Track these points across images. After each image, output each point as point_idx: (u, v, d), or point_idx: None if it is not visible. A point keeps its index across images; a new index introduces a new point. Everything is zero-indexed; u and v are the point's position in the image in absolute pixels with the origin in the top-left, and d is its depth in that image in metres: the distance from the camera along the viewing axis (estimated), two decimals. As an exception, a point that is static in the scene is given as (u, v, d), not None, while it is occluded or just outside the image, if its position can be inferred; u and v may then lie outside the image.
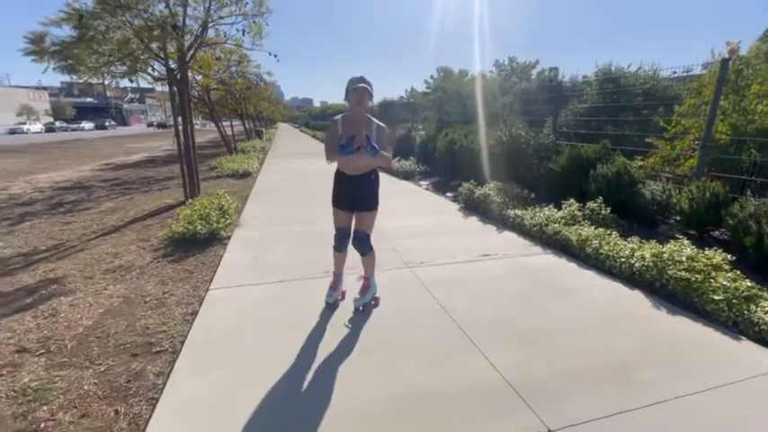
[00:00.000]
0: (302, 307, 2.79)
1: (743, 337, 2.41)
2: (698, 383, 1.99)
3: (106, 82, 7.38)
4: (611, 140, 5.86)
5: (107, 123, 47.51)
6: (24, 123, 39.25)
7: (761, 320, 2.39)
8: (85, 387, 1.99)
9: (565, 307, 2.81)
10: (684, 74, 7.05)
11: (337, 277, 2.87)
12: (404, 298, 2.95)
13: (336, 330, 2.50)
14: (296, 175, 9.18)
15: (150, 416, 1.78)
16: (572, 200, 4.56)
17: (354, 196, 2.63)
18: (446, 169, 8.34)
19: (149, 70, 6.50)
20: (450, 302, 2.85)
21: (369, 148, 2.42)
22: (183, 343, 2.34)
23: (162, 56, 5.82)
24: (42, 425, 1.74)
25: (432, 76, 16.92)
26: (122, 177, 9.68)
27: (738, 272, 2.83)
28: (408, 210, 5.73)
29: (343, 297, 2.89)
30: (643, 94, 8.36)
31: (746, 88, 5.24)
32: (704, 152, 4.38)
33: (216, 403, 1.85)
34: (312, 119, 46.75)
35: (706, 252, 3.02)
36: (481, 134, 7.50)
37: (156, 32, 5.24)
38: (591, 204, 4.38)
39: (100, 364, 2.18)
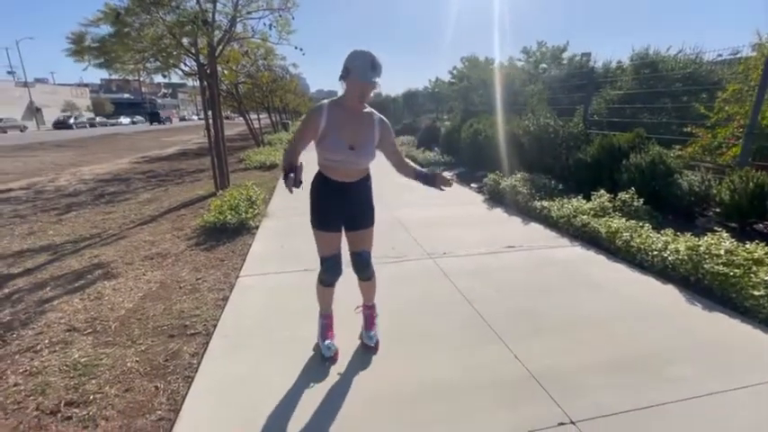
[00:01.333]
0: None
1: (785, 336, 2.29)
2: (734, 380, 1.92)
3: (141, 78, 7.73)
4: (648, 129, 5.59)
5: (71, 121, 37.88)
6: (69, 119, 41.58)
7: (806, 318, 2.26)
8: (128, 364, 2.15)
9: (592, 300, 2.76)
10: (731, 56, 6.59)
11: (329, 320, 2.23)
12: (426, 288, 2.97)
13: (360, 318, 2.55)
14: (321, 166, 9.29)
15: (186, 392, 1.90)
16: (602, 191, 4.41)
17: (350, 210, 1.99)
18: (471, 160, 8.22)
19: (181, 66, 6.76)
20: (474, 293, 2.85)
21: (420, 177, 2.03)
22: (215, 326, 2.47)
23: (192, 51, 6.02)
24: (91, 397, 1.90)
25: (455, 67, 16.56)
26: (157, 170, 10.14)
27: (782, 267, 2.67)
28: (431, 201, 5.70)
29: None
30: (683, 79, 7.88)
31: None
32: (749, 140, 4.12)
33: (247, 383, 1.95)
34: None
35: (747, 246, 2.86)
36: (507, 124, 7.34)
37: (187, 28, 5.42)
38: (622, 195, 4.23)
39: (141, 344, 2.34)
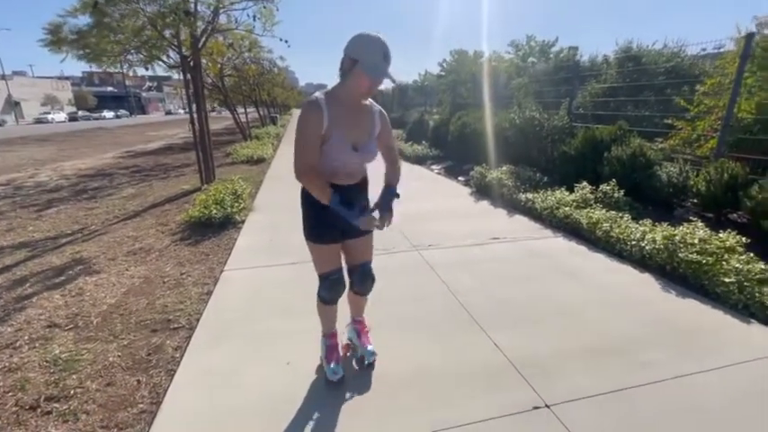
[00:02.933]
0: (313, 287, 2.88)
1: (753, 320, 2.38)
2: (702, 364, 1.99)
3: (124, 70, 7.57)
4: (631, 122, 5.69)
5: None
6: (49, 113, 40.67)
7: (772, 303, 2.36)
8: (110, 359, 2.14)
9: (571, 289, 2.82)
10: (715, 50, 6.72)
11: (335, 339, 2.00)
12: (411, 280, 3.00)
13: (345, 309, 2.57)
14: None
15: (169, 385, 1.91)
16: (584, 183, 4.49)
17: None
18: (458, 153, 8.26)
19: (164, 58, 6.63)
20: (458, 285, 2.89)
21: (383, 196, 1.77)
22: (198, 320, 2.47)
23: (175, 43, 5.91)
24: (72, 392, 1.89)
25: (444, 60, 16.54)
26: (142, 165, 9.97)
27: (753, 255, 2.77)
28: (418, 194, 5.74)
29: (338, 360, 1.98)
30: (666, 72, 8.03)
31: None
32: (725, 132, 4.22)
33: (229, 375, 1.97)
34: (326, 104, 46.72)
35: (720, 234, 2.95)
36: (494, 117, 7.39)
37: (169, 19, 5.30)
38: (604, 187, 4.31)
39: (123, 339, 2.33)
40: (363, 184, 1.80)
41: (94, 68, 7.19)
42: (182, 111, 57.30)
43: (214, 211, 4.29)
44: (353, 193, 1.71)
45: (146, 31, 5.64)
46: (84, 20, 5.48)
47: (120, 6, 5.20)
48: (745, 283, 2.53)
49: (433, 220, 4.44)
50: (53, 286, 3.03)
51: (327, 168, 1.63)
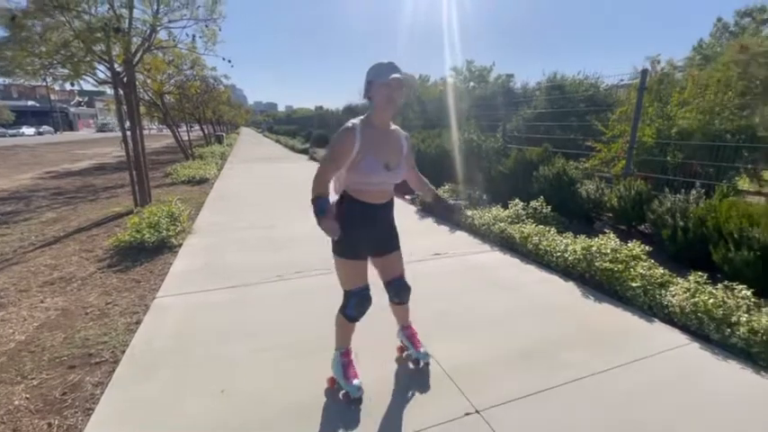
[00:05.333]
0: (252, 311, 2.81)
1: (655, 319, 2.70)
2: (615, 360, 2.22)
3: (47, 84, 6.99)
4: (559, 144, 6.27)
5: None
6: (-47, 129, 36.08)
7: (669, 303, 2.69)
8: (16, 402, 1.92)
9: (503, 299, 3.01)
10: (629, 81, 7.70)
11: (350, 356, 2.03)
12: (354, 298, 3.02)
13: (285, 329, 2.54)
14: (256, 180, 9.05)
15: (85, 426, 1.75)
16: (517, 200, 4.84)
17: (379, 233, 1.91)
18: (405, 173, 8.52)
19: (93, 73, 6.24)
20: (399, 300, 2.96)
21: (440, 200, 2.17)
22: (124, 352, 2.30)
23: (106, 58, 5.60)
24: (-35, 443, 1.67)
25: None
26: (66, 186, 9.12)
27: (654, 261, 3.15)
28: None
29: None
30: (585, 100, 8.98)
31: (670, 96, 5.82)
32: (630, 154, 4.81)
33: (154, 408, 1.85)
34: (276, 123, 46.09)
35: (628, 244, 3.33)
36: (438, 138, 7.77)
37: (98, 35, 5.04)
38: (534, 203, 4.68)
39: (33, 379, 2.11)
40: (390, 204, 1.94)
41: (9, 82, 6.59)
42: (116, 128, 53.54)
43: (147, 235, 4.05)
44: (384, 211, 1.89)
45: (71, 46, 5.30)
46: (-1, 30, 5.06)
47: (42, 20, 4.86)
48: (648, 287, 2.86)
49: (379, 238, 4.51)
50: (-53, 325, 2.67)
51: (360, 188, 1.77)
